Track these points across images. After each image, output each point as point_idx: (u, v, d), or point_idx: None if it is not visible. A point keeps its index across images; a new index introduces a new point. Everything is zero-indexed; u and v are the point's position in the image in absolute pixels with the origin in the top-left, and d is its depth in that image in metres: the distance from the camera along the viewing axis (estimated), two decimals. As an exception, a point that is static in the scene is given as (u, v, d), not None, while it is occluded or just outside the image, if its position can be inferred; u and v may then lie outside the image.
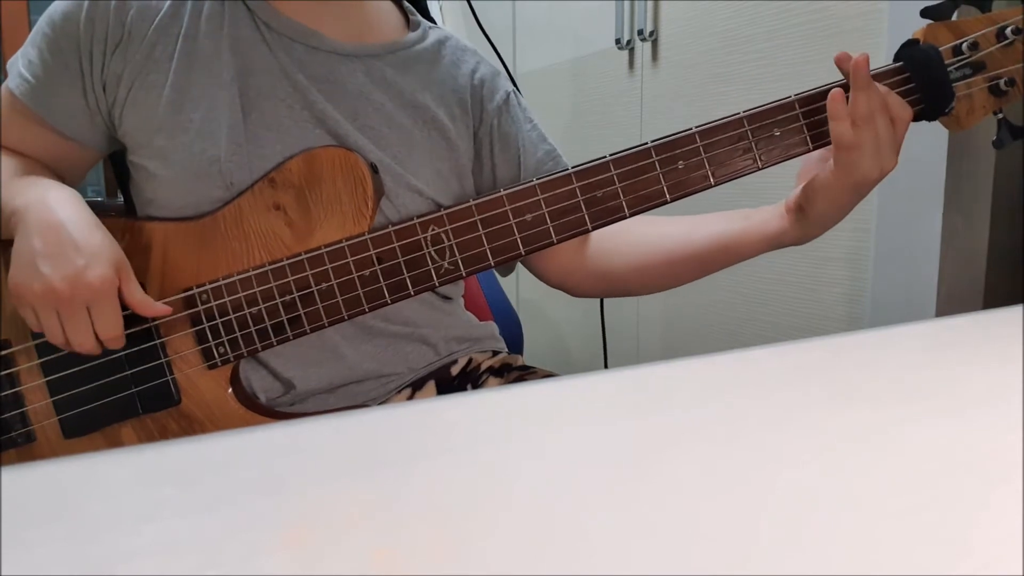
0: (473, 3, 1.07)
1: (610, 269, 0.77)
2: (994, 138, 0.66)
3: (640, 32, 1.38)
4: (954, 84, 0.64)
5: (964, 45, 0.64)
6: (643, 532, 0.21)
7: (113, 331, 0.58)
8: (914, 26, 0.66)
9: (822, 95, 0.63)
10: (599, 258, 0.77)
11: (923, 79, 0.64)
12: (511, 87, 0.80)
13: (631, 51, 1.43)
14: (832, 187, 0.62)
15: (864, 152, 0.60)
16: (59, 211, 0.58)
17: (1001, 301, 0.98)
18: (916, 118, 0.65)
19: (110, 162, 0.81)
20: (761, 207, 0.69)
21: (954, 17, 0.65)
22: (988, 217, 0.96)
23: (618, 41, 1.42)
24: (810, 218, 0.65)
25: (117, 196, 0.84)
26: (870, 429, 0.28)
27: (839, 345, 0.42)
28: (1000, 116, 0.66)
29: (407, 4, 0.79)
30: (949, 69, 0.64)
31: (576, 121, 1.60)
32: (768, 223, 0.68)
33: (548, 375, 0.79)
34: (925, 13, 0.65)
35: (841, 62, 0.62)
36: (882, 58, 0.99)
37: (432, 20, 0.83)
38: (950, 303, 0.97)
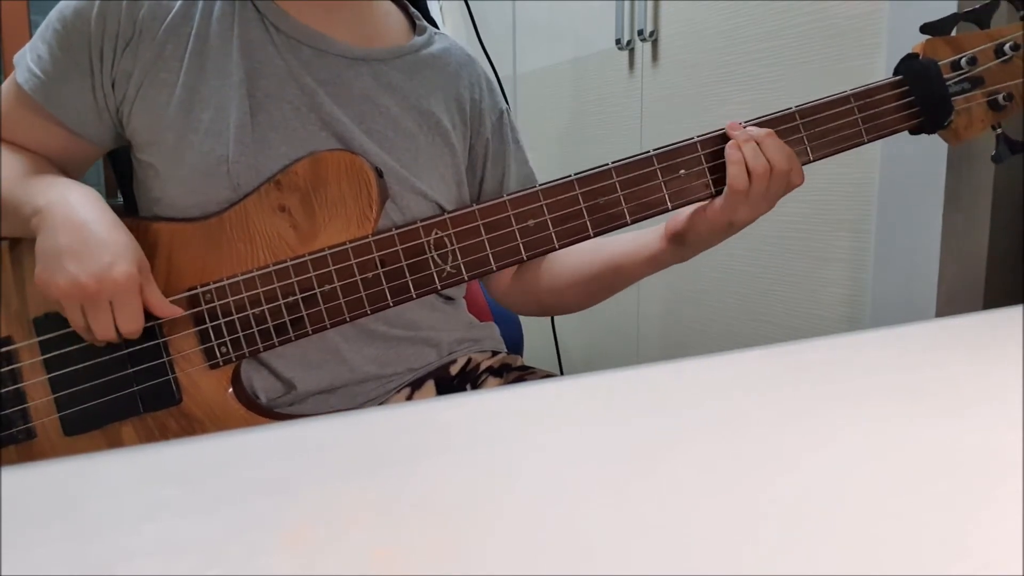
0: (474, 4, 1.07)
1: (533, 290, 0.80)
2: (993, 152, 0.67)
3: (640, 32, 1.38)
4: (953, 98, 0.65)
5: (963, 60, 0.65)
6: (643, 532, 0.21)
7: (135, 324, 0.60)
8: (913, 27, 0.67)
9: (829, 104, 0.64)
10: (525, 281, 0.81)
11: (922, 92, 0.65)
12: (505, 105, 0.82)
13: (631, 51, 1.43)
14: (711, 222, 0.65)
15: (749, 199, 0.63)
16: (82, 210, 0.59)
17: (1001, 301, 0.98)
18: (915, 131, 0.67)
19: (109, 161, 0.81)
20: (648, 229, 0.72)
21: (953, 33, 0.65)
22: (988, 217, 0.96)
23: (618, 41, 1.42)
24: (686, 245, 0.69)
25: (117, 196, 0.84)
26: (870, 429, 0.28)
27: (839, 345, 0.42)
28: (999, 131, 0.67)
29: (412, 9, 0.79)
30: (948, 83, 0.65)
31: (576, 121, 1.60)
32: (648, 246, 0.71)
33: (548, 375, 0.80)
34: (925, 29, 0.66)
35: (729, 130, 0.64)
36: (881, 58, 0.99)
37: (432, 21, 0.83)
38: (950, 303, 0.97)
